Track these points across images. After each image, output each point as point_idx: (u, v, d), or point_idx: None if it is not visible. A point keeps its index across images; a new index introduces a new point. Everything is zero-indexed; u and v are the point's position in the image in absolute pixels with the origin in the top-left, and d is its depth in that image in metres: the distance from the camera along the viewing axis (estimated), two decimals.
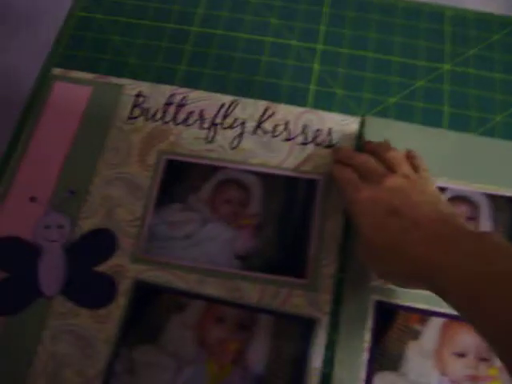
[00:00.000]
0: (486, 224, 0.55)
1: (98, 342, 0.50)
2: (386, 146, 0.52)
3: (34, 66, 0.61)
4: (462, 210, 0.56)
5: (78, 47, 0.63)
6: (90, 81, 0.61)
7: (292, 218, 0.54)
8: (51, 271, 0.52)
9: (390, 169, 0.49)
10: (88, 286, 0.52)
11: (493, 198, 0.56)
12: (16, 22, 0.63)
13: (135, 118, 0.59)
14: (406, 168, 0.49)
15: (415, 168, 0.50)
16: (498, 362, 0.49)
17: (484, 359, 0.50)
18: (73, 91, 0.60)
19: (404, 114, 0.59)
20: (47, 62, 0.62)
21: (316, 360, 0.49)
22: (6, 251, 0.54)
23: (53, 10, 0.63)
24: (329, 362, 0.49)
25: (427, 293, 0.48)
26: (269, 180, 0.56)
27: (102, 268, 0.53)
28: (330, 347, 0.50)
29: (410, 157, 0.51)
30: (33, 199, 0.55)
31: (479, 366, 0.50)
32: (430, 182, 0.49)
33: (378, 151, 0.51)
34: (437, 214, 0.44)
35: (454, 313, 0.46)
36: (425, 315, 0.51)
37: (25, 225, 0.54)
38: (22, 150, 0.57)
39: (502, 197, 0.56)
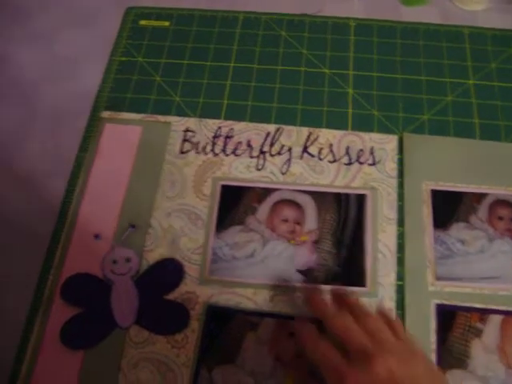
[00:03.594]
0: None
1: (177, 367, 0.55)
2: (361, 311, 0.49)
3: (83, 112, 0.67)
4: (505, 213, 0.62)
5: (123, 90, 0.70)
6: (139, 121, 0.67)
7: (346, 232, 0.61)
8: (124, 303, 0.58)
9: (371, 336, 0.46)
10: (161, 314, 0.57)
11: None
12: (59, 71, 0.70)
13: (186, 152, 0.65)
14: (388, 336, 0.46)
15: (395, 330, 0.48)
16: None
17: None
18: (123, 132, 0.67)
19: (438, 128, 0.66)
20: (95, 106, 0.69)
21: None
22: (78, 287, 0.59)
23: (92, 57, 0.69)
24: None
25: (484, 292, 0.55)
26: (321, 198, 0.62)
27: (172, 296, 0.58)
28: None
29: (388, 322, 0.49)
30: (97, 236, 0.61)
31: None
32: (415, 349, 0.47)
33: (357, 315, 0.48)
34: None
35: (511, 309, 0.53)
36: (484, 314, 0.57)
37: (93, 261, 0.60)
38: (81, 192, 0.63)
39: None
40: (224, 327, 0.57)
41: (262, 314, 0.57)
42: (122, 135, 0.66)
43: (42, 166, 0.66)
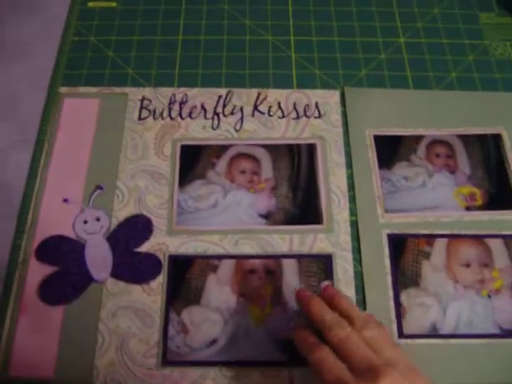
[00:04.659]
0: (462, 159, 0.70)
1: (154, 311, 0.60)
2: (357, 316, 0.52)
3: (39, 91, 0.72)
4: (442, 150, 0.70)
5: (78, 67, 0.74)
6: (97, 93, 0.72)
7: (301, 178, 0.67)
8: (98, 259, 0.62)
9: (373, 349, 0.48)
10: (134, 266, 0.62)
11: (463, 138, 0.71)
12: (11, 53, 0.74)
13: (145, 118, 0.71)
14: (388, 346, 0.49)
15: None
16: (498, 264, 0.63)
17: (486, 265, 0.63)
18: (82, 105, 0.71)
19: (375, 82, 0.74)
20: (51, 83, 0.73)
21: (348, 290, 0.61)
22: (52, 249, 0.62)
23: (43, 40, 0.74)
24: (359, 289, 0.61)
25: (428, 220, 0.64)
26: (274, 149, 0.69)
27: (144, 248, 0.63)
28: (358, 277, 0.62)
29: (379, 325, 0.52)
30: (66, 200, 0.65)
31: (483, 271, 0.63)
32: (412, 364, 0.48)
33: (352, 320, 0.51)
34: None
35: (454, 232, 0.63)
36: (430, 238, 0.64)
37: (64, 224, 0.64)
38: (46, 162, 0.67)
39: (470, 135, 0.71)
40: (185, 273, 0.62)
41: (220, 257, 0.62)
42: (82, 108, 0.71)
43: (5, 143, 0.69)
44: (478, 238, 0.65)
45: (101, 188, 0.65)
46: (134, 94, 0.72)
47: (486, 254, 0.64)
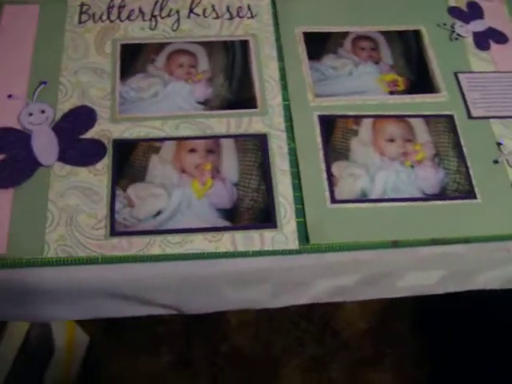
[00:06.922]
0: (384, 51, 0.76)
1: (101, 190, 0.64)
2: None
3: None
4: (366, 44, 0.76)
5: None
6: (36, 0, 0.75)
7: (235, 69, 0.72)
8: (44, 146, 0.65)
9: None
10: (80, 150, 0.65)
11: (386, 33, 0.77)
12: None
13: (84, 22, 0.74)
14: None
15: None
16: (419, 140, 0.69)
17: (408, 140, 0.70)
18: (22, 11, 0.74)
19: None
20: None
21: (283, 164, 0.67)
22: None
23: None
24: (294, 163, 0.67)
25: (356, 103, 0.71)
26: (210, 45, 0.73)
27: (89, 135, 0.67)
28: (293, 153, 0.67)
29: None
30: (10, 96, 0.68)
31: (406, 145, 0.69)
32: None
33: None
34: None
35: (379, 113, 0.69)
36: (358, 118, 0.70)
37: (9, 117, 0.67)
38: None
39: (392, 31, 0.78)
40: (129, 154, 0.66)
41: (162, 139, 0.67)
42: (22, 13, 0.74)
43: None
44: (401, 118, 0.71)
45: (44, 83, 0.68)
46: (73, 0, 0.75)
47: (409, 131, 0.70)
